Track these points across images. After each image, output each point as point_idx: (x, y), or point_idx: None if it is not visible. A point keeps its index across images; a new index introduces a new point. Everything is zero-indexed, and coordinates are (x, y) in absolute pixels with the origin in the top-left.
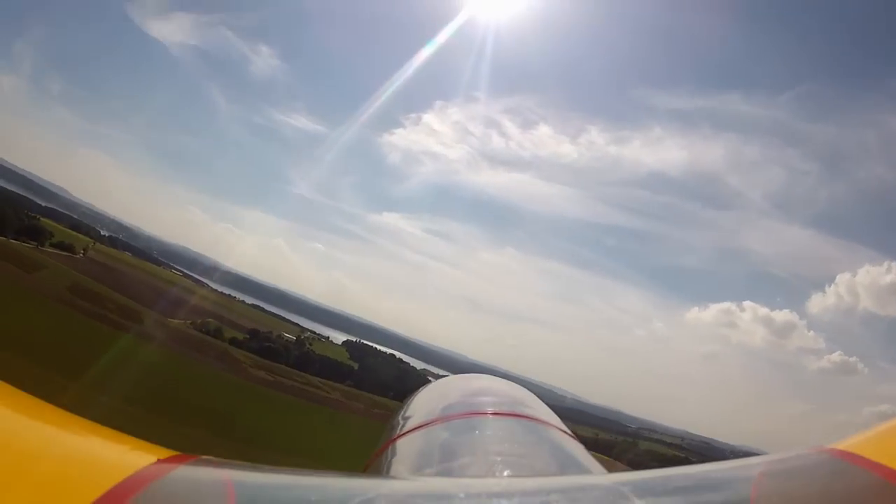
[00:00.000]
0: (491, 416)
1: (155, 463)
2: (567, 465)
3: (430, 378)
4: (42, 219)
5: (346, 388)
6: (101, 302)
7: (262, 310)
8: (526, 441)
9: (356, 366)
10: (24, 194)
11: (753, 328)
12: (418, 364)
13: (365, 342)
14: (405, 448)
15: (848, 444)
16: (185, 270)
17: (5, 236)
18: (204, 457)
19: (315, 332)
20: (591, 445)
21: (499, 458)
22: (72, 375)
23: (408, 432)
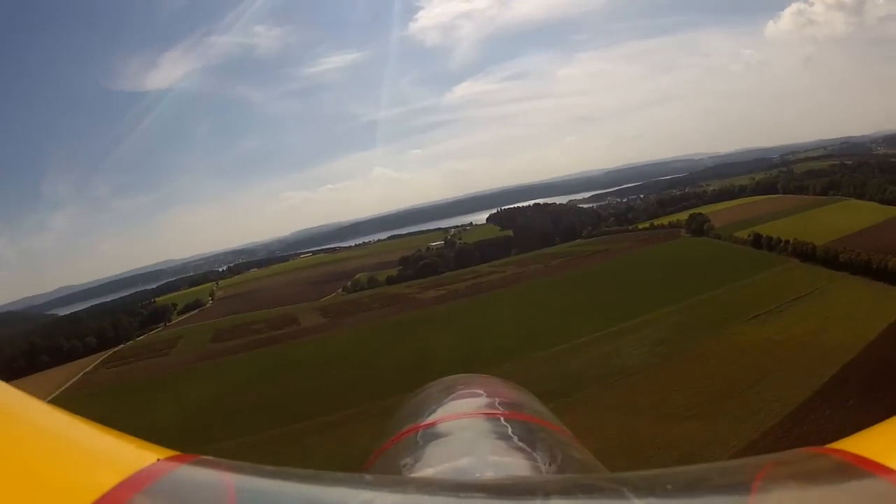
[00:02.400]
0: (489, 416)
1: (155, 462)
2: (566, 465)
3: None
4: (157, 300)
5: (516, 258)
6: (248, 330)
7: (401, 236)
8: (525, 441)
9: (511, 233)
10: (130, 293)
11: (831, 17)
12: (563, 199)
13: (505, 207)
14: (405, 448)
15: (849, 444)
16: (314, 248)
17: (133, 339)
18: (204, 457)
19: (458, 226)
20: (753, 191)
21: (498, 459)
22: (282, 417)
23: (407, 432)
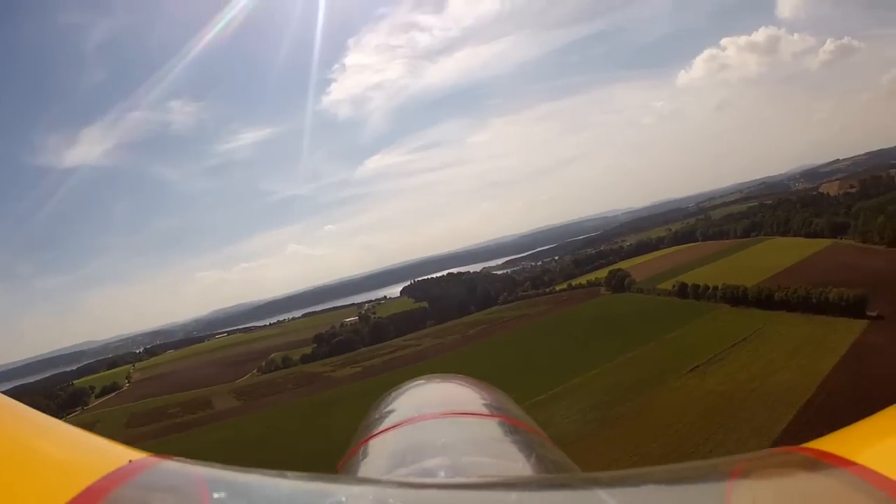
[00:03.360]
0: (462, 417)
1: (128, 464)
2: (539, 464)
3: (494, 272)
4: (76, 382)
5: (432, 329)
6: (163, 414)
7: (315, 313)
8: (497, 441)
9: (426, 304)
10: (50, 375)
11: (743, 59)
12: (476, 267)
13: (419, 279)
14: (377, 449)
15: (822, 443)
16: (230, 329)
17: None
18: (177, 457)
19: (372, 300)
20: (672, 241)
21: (470, 459)
22: None
23: (380, 433)
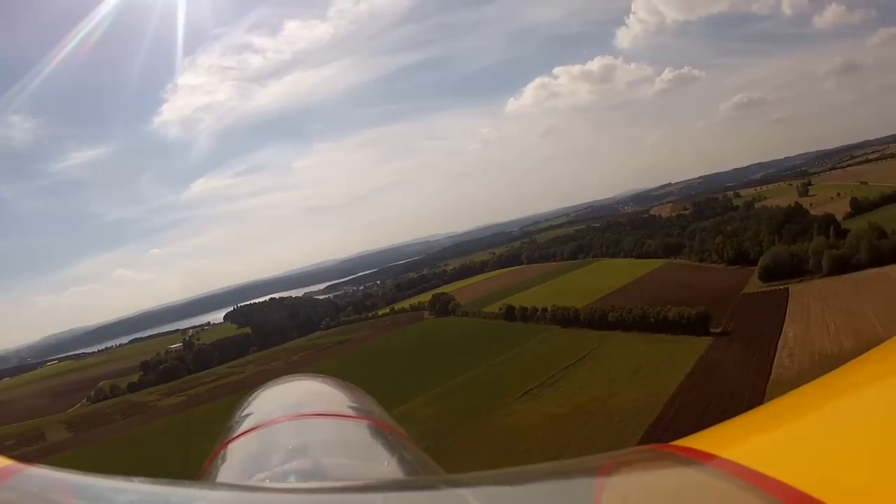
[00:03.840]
0: (325, 418)
1: None
2: (403, 466)
3: (316, 297)
4: None
5: (255, 355)
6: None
7: (142, 339)
8: (361, 442)
9: (249, 330)
10: None
11: (575, 87)
12: (298, 292)
13: (242, 304)
14: (238, 452)
15: (691, 441)
16: (61, 355)
17: None
18: (38, 465)
19: (196, 326)
20: (496, 265)
21: (333, 460)
22: None
23: (241, 435)
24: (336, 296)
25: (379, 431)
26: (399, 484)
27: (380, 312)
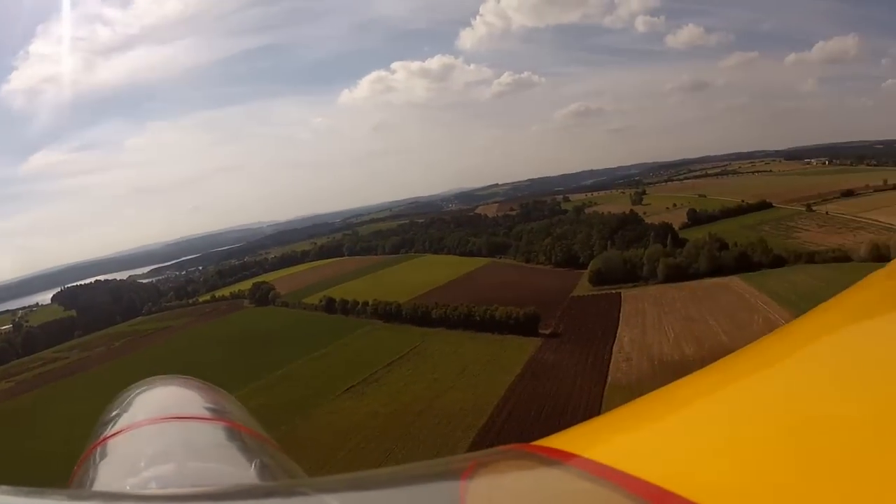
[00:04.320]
0: (189, 421)
1: None
2: (267, 471)
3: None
4: None
5: (79, 340)
6: None
7: None
8: (222, 446)
9: (75, 313)
10: None
11: (411, 84)
12: (124, 275)
13: (69, 286)
14: (106, 456)
15: (550, 440)
16: None
17: None
18: None
19: (25, 307)
20: (317, 255)
21: (194, 465)
22: None
23: (110, 438)
24: (159, 280)
25: (242, 435)
26: (261, 489)
27: (200, 299)
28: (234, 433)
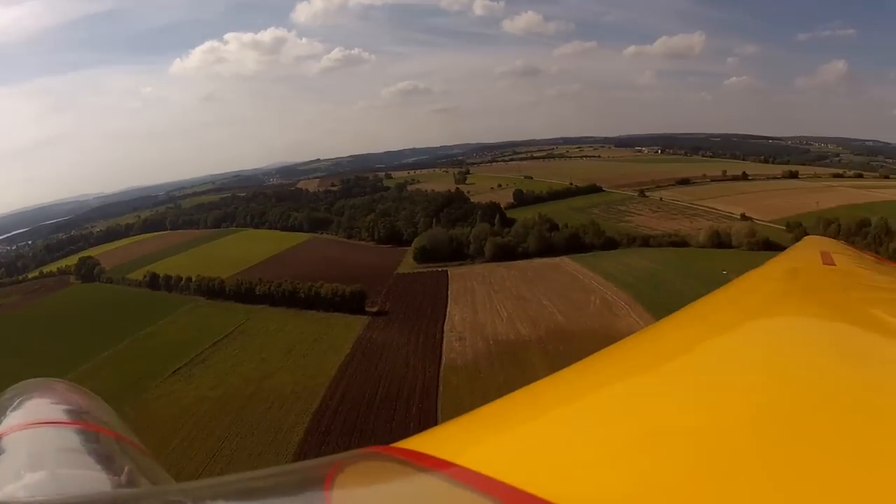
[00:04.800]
0: (57, 426)
1: None
2: (134, 477)
3: None
4: None
5: None
6: None
7: None
8: (93, 452)
9: None
10: None
11: (243, 56)
12: None
13: None
14: None
15: (409, 442)
16: None
17: None
18: None
19: None
20: (141, 229)
21: (61, 471)
22: None
23: None
24: None
25: (109, 440)
26: (130, 496)
27: (30, 275)
28: (101, 437)
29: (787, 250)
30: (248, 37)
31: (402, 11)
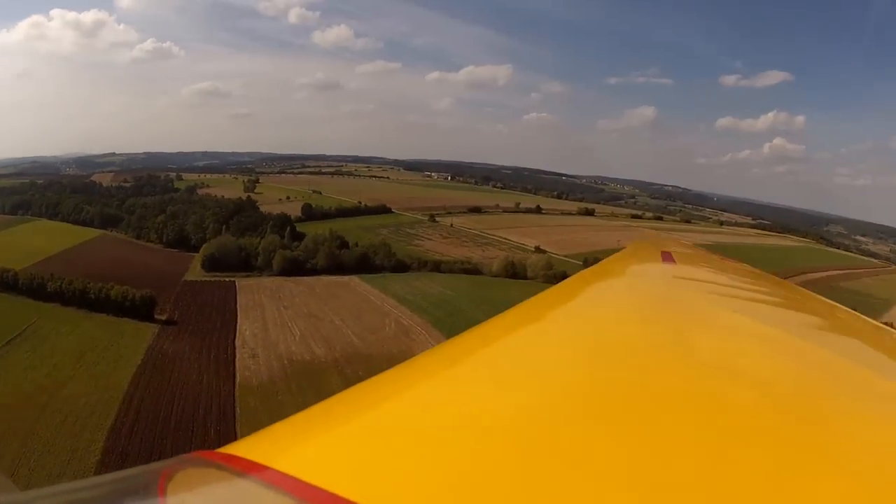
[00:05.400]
0: None
1: None
2: None
3: None
4: None
5: None
6: None
7: None
8: None
9: None
10: None
11: (62, 34)
12: None
13: None
14: None
15: (233, 447)
16: None
17: None
18: None
19: None
20: None
21: None
22: None
23: None
24: None
25: None
26: None
27: None
28: None
29: (626, 248)
30: (72, 15)
31: (221, 8)
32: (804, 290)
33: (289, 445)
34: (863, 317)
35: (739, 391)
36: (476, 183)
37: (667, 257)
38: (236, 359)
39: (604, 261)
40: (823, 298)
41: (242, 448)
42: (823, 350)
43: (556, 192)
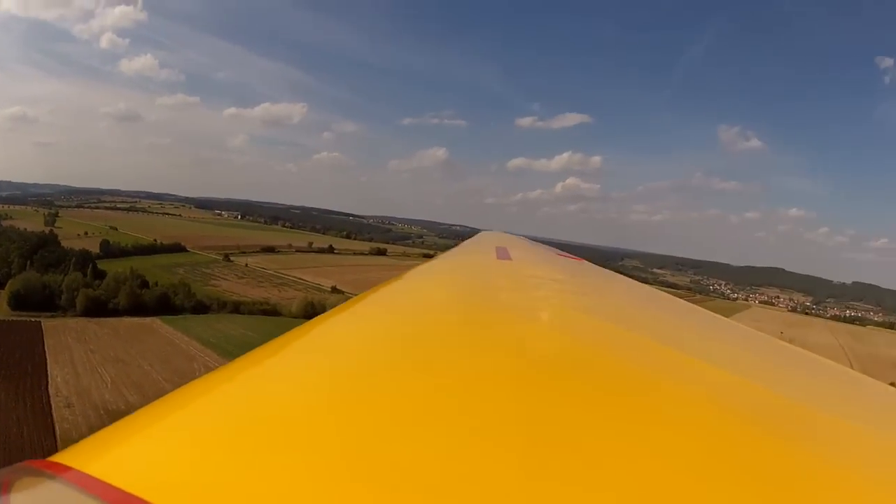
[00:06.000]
0: None
1: None
2: None
3: None
4: None
5: None
6: None
7: None
8: None
9: None
10: None
11: None
12: None
13: None
14: None
15: (62, 456)
16: None
17: None
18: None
19: None
20: None
21: None
22: None
23: None
24: None
25: None
26: None
27: None
28: None
29: (462, 244)
30: None
31: (40, 29)
32: (623, 276)
33: (107, 450)
34: (668, 294)
35: (533, 373)
36: (266, 222)
37: (502, 254)
38: (52, 408)
39: (441, 256)
40: (641, 283)
41: (69, 456)
42: (618, 326)
43: (344, 232)
